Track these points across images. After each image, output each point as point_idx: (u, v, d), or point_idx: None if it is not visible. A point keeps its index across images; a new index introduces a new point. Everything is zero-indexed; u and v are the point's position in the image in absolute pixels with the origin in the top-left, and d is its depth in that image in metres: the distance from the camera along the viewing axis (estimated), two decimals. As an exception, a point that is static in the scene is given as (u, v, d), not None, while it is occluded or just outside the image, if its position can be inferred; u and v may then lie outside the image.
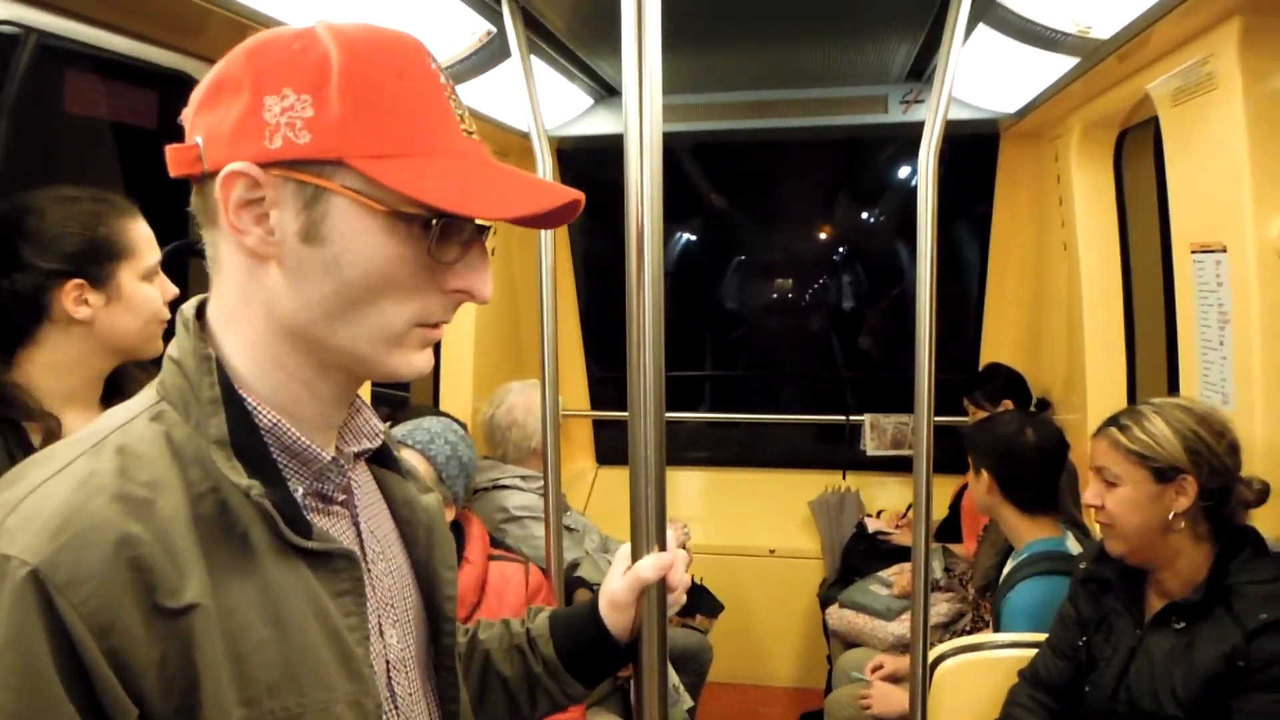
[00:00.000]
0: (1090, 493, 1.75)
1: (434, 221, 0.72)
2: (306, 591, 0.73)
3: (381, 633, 0.83)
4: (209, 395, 0.73)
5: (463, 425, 2.33)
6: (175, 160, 0.73)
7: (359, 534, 0.84)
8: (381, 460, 0.92)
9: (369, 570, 0.83)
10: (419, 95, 0.73)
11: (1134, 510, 1.66)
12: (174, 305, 1.40)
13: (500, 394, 2.84)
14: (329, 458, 0.79)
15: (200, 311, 0.78)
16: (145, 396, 0.76)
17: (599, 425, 4.35)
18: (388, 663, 0.83)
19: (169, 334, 0.83)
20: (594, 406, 4.30)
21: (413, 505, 0.92)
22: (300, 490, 0.77)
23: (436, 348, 3.27)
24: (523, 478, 2.70)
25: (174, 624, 0.65)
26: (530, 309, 3.74)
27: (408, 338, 0.77)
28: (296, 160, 0.70)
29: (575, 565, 2.59)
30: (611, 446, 4.36)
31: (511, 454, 2.75)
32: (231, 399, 0.73)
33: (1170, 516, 1.63)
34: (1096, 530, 2.53)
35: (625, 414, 1.07)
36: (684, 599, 1.11)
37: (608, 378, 4.33)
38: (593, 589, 2.40)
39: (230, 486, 0.71)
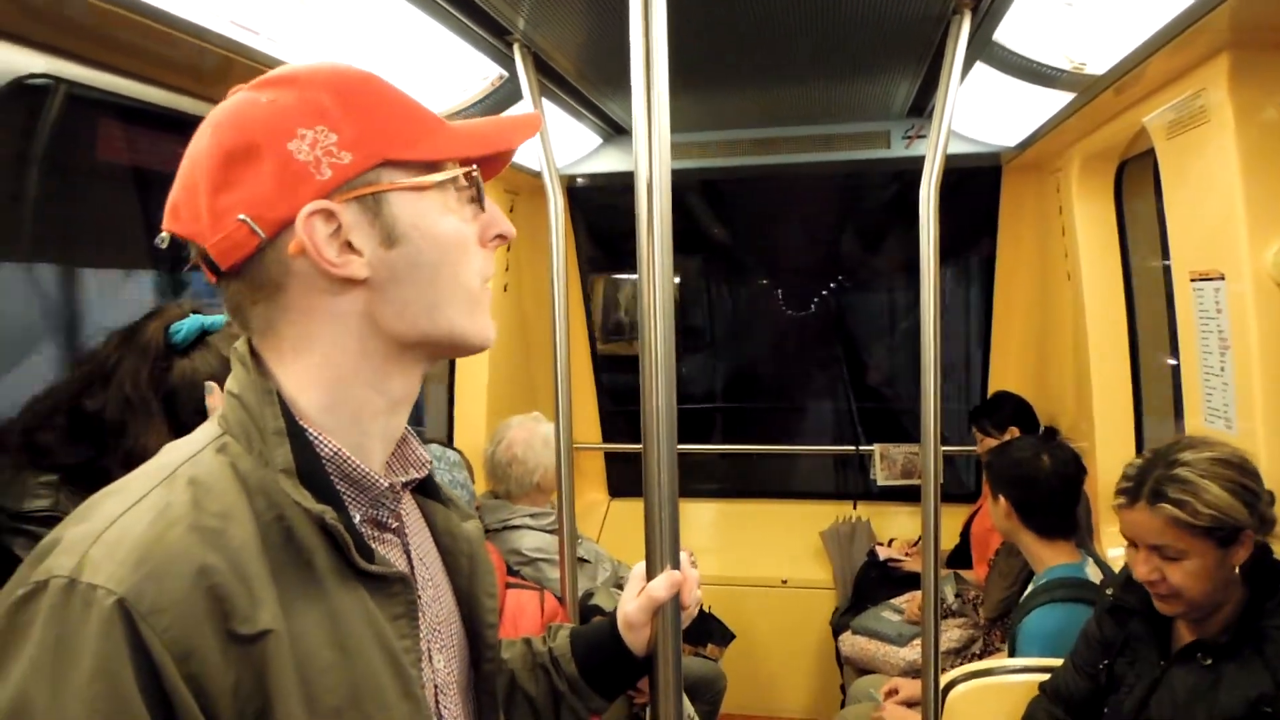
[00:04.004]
0: (1145, 569, 1.63)
1: (471, 174, 0.82)
2: (366, 615, 0.76)
3: (430, 658, 0.86)
4: (274, 426, 0.76)
5: (459, 453, 2.37)
6: (223, 250, 0.75)
7: (409, 560, 0.87)
8: (424, 490, 0.96)
9: (419, 596, 0.86)
10: (392, 91, 0.81)
11: (1204, 580, 1.57)
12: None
13: (500, 430, 2.84)
14: (385, 485, 0.82)
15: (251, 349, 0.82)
16: (208, 430, 0.79)
17: (610, 458, 4.37)
18: (435, 686, 0.86)
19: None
20: (605, 440, 4.33)
21: (454, 533, 0.96)
22: (358, 517, 0.81)
23: (451, 382, 3.35)
24: (532, 516, 2.71)
25: (248, 650, 0.67)
26: (541, 342, 3.79)
27: (481, 298, 0.84)
28: (350, 180, 0.75)
29: (590, 595, 2.62)
30: (623, 479, 4.38)
31: (515, 490, 2.75)
32: (294, 430, 0.77)
33: (1235, 572, 1.58)
34: (1109, 558, 2.56)
35: (638, 446, 1.11)
36: (695, 613, 1.14)
37: (618, 411, 4.37)
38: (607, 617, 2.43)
39: (295, 514, 0.74)
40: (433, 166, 0.80)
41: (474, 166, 0.83)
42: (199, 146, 0.76)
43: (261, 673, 0.68)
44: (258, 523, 0.72)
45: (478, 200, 0.84)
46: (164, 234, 0.78)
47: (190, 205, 0.76)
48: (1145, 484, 1.62)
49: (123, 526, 0.68)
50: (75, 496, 1.41)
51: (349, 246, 0.76)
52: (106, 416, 1.45)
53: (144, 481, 0.73)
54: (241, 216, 0.74)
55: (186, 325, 1.52)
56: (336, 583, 0.75)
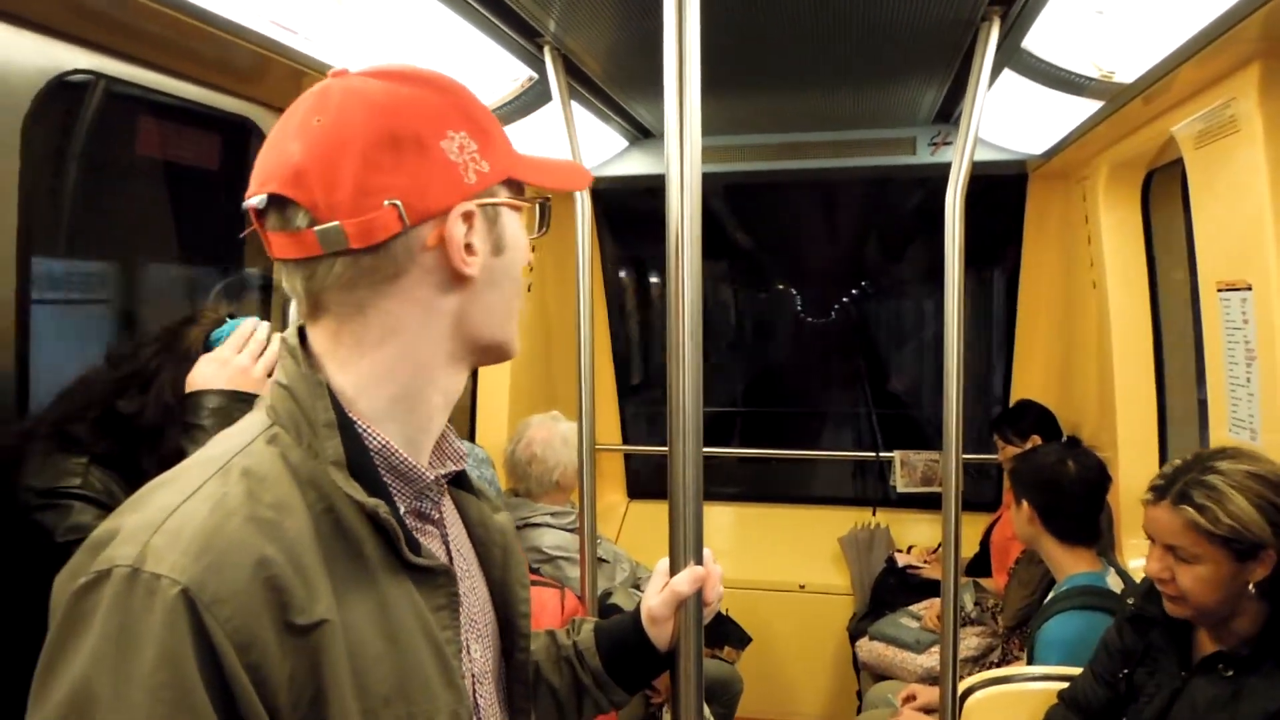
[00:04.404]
0: (1157, 566, 1.64)
1: (542, 205, 0.91)
2: (412, 606, 0.78)
3: (468, 648, 0.87)
4: (324, 419, 0.77)
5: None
6: (364, 228, 0.75)
7: (448, 552, 0.89)
8: (456, 482, 0.97)
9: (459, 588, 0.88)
10: (488, 109, 0.86)
11: (1213, 588, 1.57)
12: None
13: (520, 429, 2.86)
14: (431, 477, 0.84)
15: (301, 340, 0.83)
16: (256, 420, 0.80)
17: (629, 459, 4.39)
18: (473, 676, 0.88)
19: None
20: (625, 441, 4.35)
21: (488, 525, 0.98)
22: (403, 508, 0.83)
23: (475, 381, 3.38)
24: (553, 514, 2.73)
25: (304, 640, 0.68)
26: (562, 343, 3.81)
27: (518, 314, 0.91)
28: (486, 188, 0.81)
29: (608, 594, 2.63)
30: (642, 480, 4.39)
31: (535, 489, 2.77)
32: (344, 422, 0.78)
33: (1250, 588, 1.56)
34: (1130, 569, 2.55)
35: (661, 448, 1.13)
36: (726, 608, 1.15)
37: (639, 412, 4.38)
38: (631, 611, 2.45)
39: (345, 505, 0.75)
40: (521, 189, 0.87)
41: (549, 197, 0.93)
42: (347, 120, 0.75)
43: (316, 662, 0.69)
44: (310, 514, 0.73)
45: (541, 227, 0.93)
46: (263, 195, 0.76)
47: (327, 175, 0.74)
48: (1175, 484, 1.62)
49: (182, 517, 0.68)
50: (103, 477, 1.46)
51: (470, 248, 0.81)
52: (145, 421, 1.50)
53: (198, 472, 0.73)
54: (393, 200, 0.75)
55: (226, 331, 1.56)
56: (386, 574, 0.76)
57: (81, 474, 1.45)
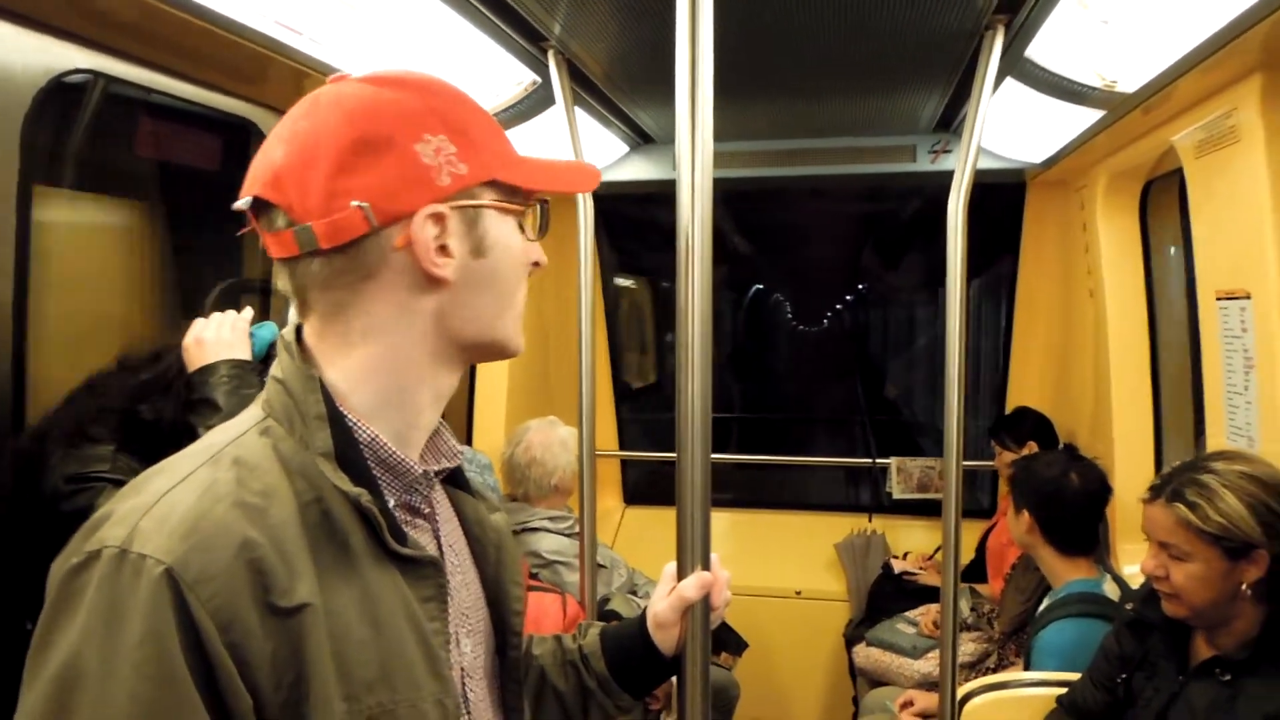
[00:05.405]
0: (1152, 564, 1.67)
1: (541, 207, 0.90)
2: (398, 595, 0.79)
3: (458, 641, 0.89)
4: (315, 411, 0.79)
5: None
6: (331, 229, 0.77)
7: (439, 546, 0.90)
8: (455, 481, 0.99)
9: (448, 581, 0.88)
10: (489, 117, 0.87)
11: (1205, 587, 1.60)
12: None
13: (519, 433, 2.86)
14: (420, 471, 0.86)
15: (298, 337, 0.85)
16: (252, 414, 0.83)
17: (626, 465, 4.39)
18: (462, 670, 0.89)
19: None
20: (621, 447, 4.34)
21: (483, 524, 0.99)
22: (392, 501, 0.84)
23: (471, 386, 3.38)
24: (551, 519, 2.72)
25: (286, 622, 0.71)
26: (560, 349, 3.81)
27: (522, 313, 0.91)
28: (462, 191, 0.81)
29: (606, 600, 2.63)
30: (638, 486, 4.39)
31: (533, 492, 2.77)
32: (335, 415, 0.80)
33: (1243, 588, 1.58)
34: (1125, 575, 2.56)
35: (668, 454, 1.13)
36: (722, 617, 1.16)
37: (634, 418, 4.38)
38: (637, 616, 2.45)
39: (333, 496, 0.77)
40: (516, 192, 0.87)
41: (547, 200, 0.91)
42: (323, 124, 0.79)
43: (298, 644, 0.71)
44: (297, 502, 0.76)
45: (540, 229, 0.92)
46: (248, 198, 0.80)
47: (300, 178, 0.78)
48: (1171, 482, 1.66)
49: (171, 501, 0.71)
50: (130, 462, 1.50)
51: (444, 250, 0.81)
52: (167, 423, 1.53)
53: (191, 460, 0.76)
54: (359, 202, 0.77)
55: (254, 333, 1.61)
56: (371, 563, 0.78)
57: (110, 459, 1.51)
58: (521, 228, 0.89)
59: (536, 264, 0.92)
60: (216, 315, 1.64)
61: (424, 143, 0.79)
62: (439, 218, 0.80)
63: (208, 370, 1.55)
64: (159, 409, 1.55)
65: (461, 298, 0.83)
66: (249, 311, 1.69)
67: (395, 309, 0.82)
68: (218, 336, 1.60)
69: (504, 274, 0.86)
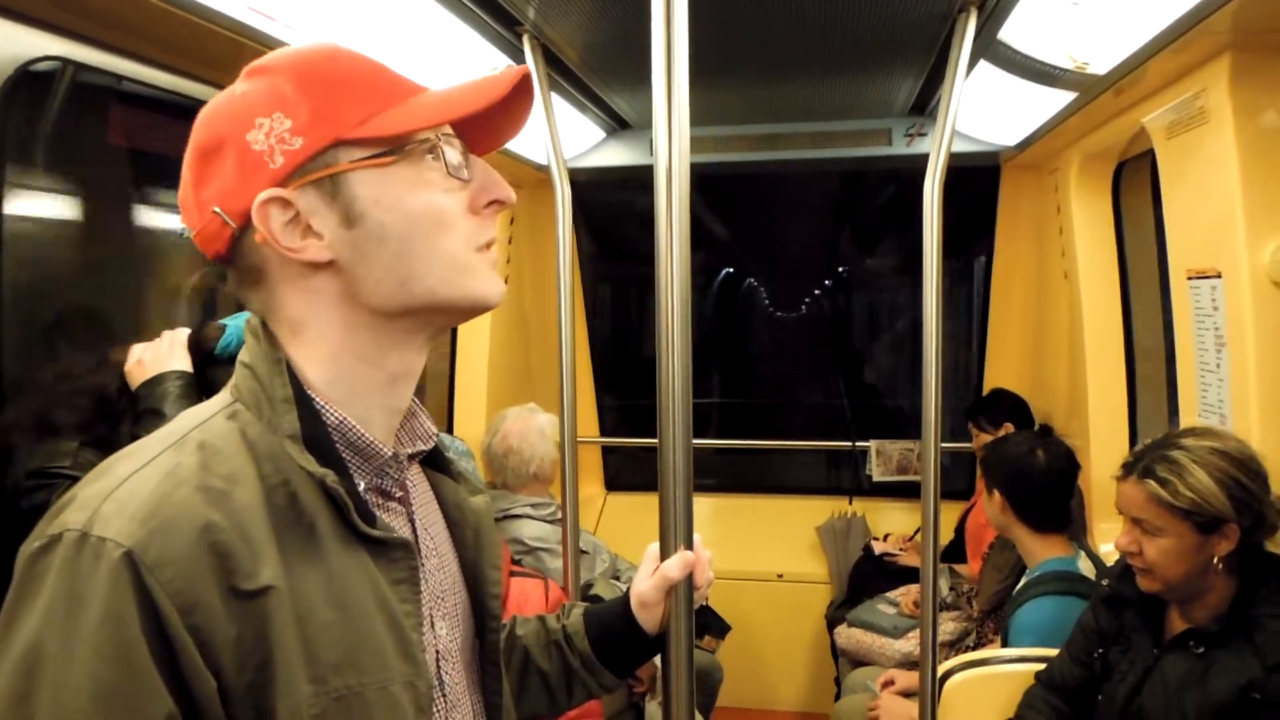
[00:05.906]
0: (1126, 539, 1.70)
1: (437, 144, 0.80)
2: (367, 578, 0.79)
3: (433, 624, 0.88)
4: (282, 394, 0.79)
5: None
6: (205, 240, 0.79)
7: (414, 529, 0.90)
8: (435, 464, 0.99)
9: (422, 564, 0.89)
10: (358, 65, 0.81)
11: (1177, 560, 1.63)
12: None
13: (496, 421, 2.86)
14: (389, 453, 0.85)
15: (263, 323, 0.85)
16: (220, 399, 0.82)
17: (608, 451, 4.40)
18: (438, 653, 0.88)
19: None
20: (602, 433, 4.35)
21: (462, 507, 0.98)
22: (362, 485, 0.83)
23: (451, 373, 3.37)
24: (533, 506, 2.73)
25: (249, 605, 0.70)
26: (540, 336, 3.81)
27: (474, 263, 0.83)
28: (302, 164, 0.77)
29: (589, 585, 2.64)
30: (620, 473, 4.40)
31: (512, 480, 2.77)
32: (301, 398, 0.80)
33: (1214, 562, 1.62)
34: (1101, 553, 2.59)
35: (642, 440, 1.14)
36: (707, 597, 1.17)
37: (614, 405, 4.38)
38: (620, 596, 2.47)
39: (300, 479, 0.77)
40: (398, 140, 0.79)
41: (436, 134, 0.80)
42: (189, 141, 0.80)
43: (263, 627, 0.71)
44: (263, 486, 0.75)
45: (461, 168, 0.82)
46: (183, 226, 0.82)
47: (183, 200, 0.81)
48: (1142, 459, 1.69)
49: (133, 485, 0.71)
50: (94, 458, 1.50)
51: (310, 230, 0.78)
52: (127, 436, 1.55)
53: (156, 444, 0.76)
54: (216, 208, 0.77)
55: (232, 337, 1.67)
56: (338, 545, 0.78)
57: (72, 454, 1.51)
58: (449, 172, 0.81)
59: (497, 202, 0.85)
60: (154, 340, 1.68)
61: (255, 129, 0.76)
62: (283, 202, 0.76)
63: (153, 382, 1.57)
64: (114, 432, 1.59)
65: (358, 271, 0.79)
66: (184, 330, 1.72)
67: (303, 300, 0.80)
68: (155, 354, 1.63)
69: (398, 234, 0.78)
